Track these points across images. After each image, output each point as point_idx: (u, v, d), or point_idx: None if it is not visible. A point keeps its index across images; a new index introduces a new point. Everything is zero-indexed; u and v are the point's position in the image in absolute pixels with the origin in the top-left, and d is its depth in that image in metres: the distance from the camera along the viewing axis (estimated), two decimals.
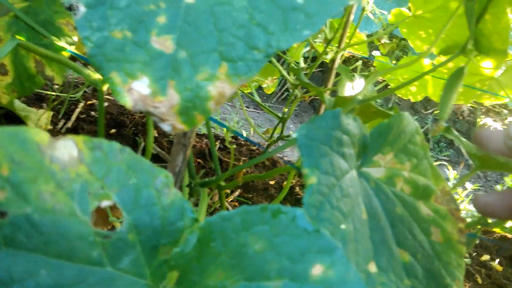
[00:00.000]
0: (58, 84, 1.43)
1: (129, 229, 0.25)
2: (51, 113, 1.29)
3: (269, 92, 1.78)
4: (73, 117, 1.37)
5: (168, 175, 0.27)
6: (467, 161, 2.93)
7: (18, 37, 0.60)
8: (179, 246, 0.25)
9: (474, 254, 1.19)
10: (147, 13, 0.34)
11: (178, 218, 0.26)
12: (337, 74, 1.35)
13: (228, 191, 1.26)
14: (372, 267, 0.37)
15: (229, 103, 2.94)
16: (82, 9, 0.33)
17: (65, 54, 0.60)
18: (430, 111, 3.08)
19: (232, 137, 1.66)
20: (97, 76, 0.55)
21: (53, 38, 0.58)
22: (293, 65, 1.41)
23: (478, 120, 3.04)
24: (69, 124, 1.33)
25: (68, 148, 0.26)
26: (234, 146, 1.41)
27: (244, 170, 1.26)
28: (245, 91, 1.57)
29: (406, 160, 0.48)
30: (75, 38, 0.62)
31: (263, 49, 0.33)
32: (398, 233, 0.41)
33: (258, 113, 3.27)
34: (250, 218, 0.25)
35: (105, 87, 0.58)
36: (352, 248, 0.35)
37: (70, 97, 1.42)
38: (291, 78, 1.35)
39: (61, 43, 0.59)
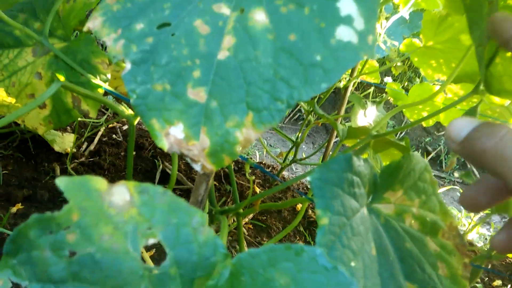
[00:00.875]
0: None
1: (171, 264, 0.29)
2: (75, 136, 1.36)
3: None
4: (96, 140, 1.43)
5: (203, 214, 0.32)
6: None
7: (57, 74, 0.66)
8: (213, 279, 0.29)
9: (486, 279, 1.20)
10: (185, 68, 0.39)
11: (212, 254, 0.30)
12: (350, 100, 1.39)
13: None
14: None
15: None
16: (128, 65, 0.38)
17: (100, 90, 0.65)
18: (443, 132, 3.09)
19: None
20: (129, 111, 0.60)
21: (89, 76, 0.64)
22: None
23: None
24: (92, 147, 1.39)
25: (122, 194, 0.30)
26: (253, 177, 1.46)
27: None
28: None
29: (416, 197, 0.51)
30: (109, 76, 0.67)
31: (286, 100, 0.37)
32: (407, 267, 0.45)
33: (271, 133, 3.31)
34: (276, 256, 0.29)
35: (135, 121, 0.63)
36: (361, 285, 0.38)
37: (93, 121, 1.49)
38: (304, 104, 1.39)
39: (97, 80, 0.64)
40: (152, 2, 0.41)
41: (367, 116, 1.18)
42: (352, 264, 0.38)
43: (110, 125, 1.57)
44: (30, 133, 1.34)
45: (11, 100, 0.71)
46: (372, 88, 1.49)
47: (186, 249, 0.30)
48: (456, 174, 2.95)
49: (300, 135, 1.35)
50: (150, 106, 0.38)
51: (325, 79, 0.37)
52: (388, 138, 0.80)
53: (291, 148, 1.39)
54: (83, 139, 1.44)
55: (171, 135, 0.38)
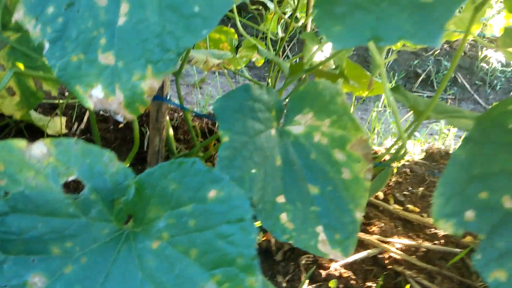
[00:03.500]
0: (67, 92, 1.59)
1: (90, 192, 0.39)
2: (65, 118, 1.46)
3: (259, 65, 1.88)
4: (85, 119, 1.53)
5: (112, 154, 0.41)
6: (472, 95, 2.95)
7: (17, 63, 0.75)
8: (125, 196, 0.39)
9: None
10: (93, 38, 0.47)
11: (124, 180, 0.40)
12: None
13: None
14: (280, 199, 0.50)
15: (232, 80, 3.05)
16: (46, 45, 0.46)
17: None
18: (431, 52, 3.09)
19: None
20: None
21: (44, 59, 0.72)
22: (270, 36, 1.51)
23: (480, 54, 3.02)
24: (82, 126, 1.50)
25: (40, 148, 0.40)
26: (197, 123, 1.55)
27: None
28: (237, 68, 1.67)
29: (326, 118, 0.60)
30: None
31: (175, 50, 0.45)
32: (311, 174, 0.54)
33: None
34: (165, 170, 0.39)
35: None
36: (259, 186, 0.48)
37: (79, 102, 1.58)
38: (271, 51, 1.45)
39: None
40: None
41: (323, 51, 1.23)
42: (253, 171, 0.48)
43: None
44: (23, 122, 1.44)
45: None
46: None
47: (100, 179, 0.40)
48: (449, 92, 2.98)
49: (269, 80, 1.42)
50: (71, 75, 0.47)
51: (205, 26, 0.45)
52: (322, 70, 0.87)
53: None
54: (73, 120, 1.54)
55: (94, 96, 0.47)
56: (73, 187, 1.08)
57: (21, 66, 0.74)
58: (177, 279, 0.40)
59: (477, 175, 0.47)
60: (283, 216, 0.52)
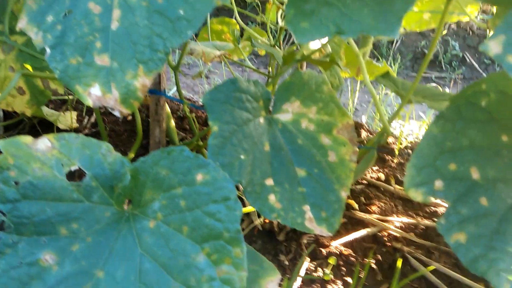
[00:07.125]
0: None
1: (90, 179, 0.45)
2: (75, 112, 1.52)
3: (262, 54, 1.91)
4: (95, 113, 1.60)
5: (109, 145, 0.46)
6: (481, 74, 2.92)
7: (25, 64, 0.80)
8: (122, 182, 0.45)
9: None
10: (89, 42, 0.52)
11: (120, 168, 0.45)
12: None
13: None
14: (269, 182, 0.55)
15: (240, 68, 3.09)
16: (48, 50, 0.52)
17: None
18: None
19: None
20: None
21: None
22: (271, 25, 1.53)
23: (488, 32, 2.98)
24: (92, 120, 1.56)
25: (44, 142, 0.45)
26: (194, 114, 1.60)
27: None
28: (241, 57, 1.70)
29: (313, 105, 0.64)
30: None
31: (163, 50, 0.50)
32: (298, 157, 0.59)
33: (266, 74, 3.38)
34: (156, 157, 0.44)
35: None
36: (248, 170, 0.53)
37: None
38: (271, 40, 1.48)
39: None
40: None
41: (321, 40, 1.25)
42: (242, 157, 0.53)
43: None
44: (36, 118, 1.51)
45: None
46: None
47: (100, 168, 0.45)
48: (458, 72, 2.96)
49: (270, 69, 1.45)
50: (71, 76, 0.52)
51: (189, 27, 0.49)
52: (314, 59, 0.90)
53: (267, 82, 1.51)
54: (84, 114, 1.61)
55: (92, 94, 0.52)
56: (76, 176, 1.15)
57: (29, 67, 0.80)
58: (172, 253, 0.45)
59: (448, 149, 0.51)
60: (271, 197, 0.57)
